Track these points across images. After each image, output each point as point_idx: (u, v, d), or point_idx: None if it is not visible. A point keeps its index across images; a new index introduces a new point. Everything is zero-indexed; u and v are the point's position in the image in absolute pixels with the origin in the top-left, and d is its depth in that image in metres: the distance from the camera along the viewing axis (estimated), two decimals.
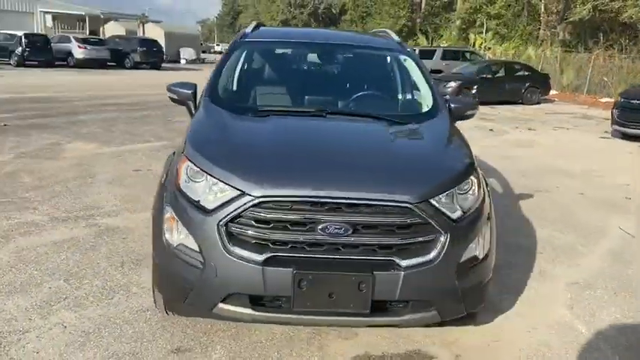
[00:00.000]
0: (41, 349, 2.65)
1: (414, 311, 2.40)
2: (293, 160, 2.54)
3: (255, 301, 2.35)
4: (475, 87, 15.88)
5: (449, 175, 2.55)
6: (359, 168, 2.51)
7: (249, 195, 2.29)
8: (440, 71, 19.74)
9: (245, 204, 2.29)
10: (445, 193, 2.44)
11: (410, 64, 3.78)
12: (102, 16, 41.67)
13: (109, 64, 28.21)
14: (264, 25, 4.35)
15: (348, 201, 2.29)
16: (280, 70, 4.06)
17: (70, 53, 26.70)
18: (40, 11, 39.15)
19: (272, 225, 2.30)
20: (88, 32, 37.87)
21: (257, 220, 2.31)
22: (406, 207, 2.32)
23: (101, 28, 41.37)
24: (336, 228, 2.28)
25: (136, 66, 29.00)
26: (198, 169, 2.46)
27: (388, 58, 3.99)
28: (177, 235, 2.43)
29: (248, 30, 4.02)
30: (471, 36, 31.35)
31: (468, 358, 2.77)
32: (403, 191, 2.34)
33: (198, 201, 2.39)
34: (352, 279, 2.26)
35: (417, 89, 3.60)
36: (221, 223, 2.31)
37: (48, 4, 39.49)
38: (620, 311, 3.36)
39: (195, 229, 2.36)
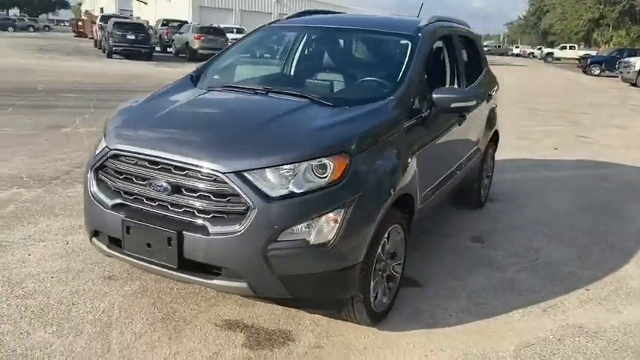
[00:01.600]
0: None
1: (224, 278, 2.52)
2: (154, 124, 2.86)
3: (112, 240, 2.79)
4: None
5: (281, 154, 2.51)
6: (205, 136, 2.68)
7: (107, 148, 2.74)
8: None
9: (104, 155, 2.75)
10: (269, 169, 2.45)
11: (406, 49, 3.55)
12: None
13: None
14: (311, 13, 4.53)
15: (175, 163, 2.53)
16: (275, 52, 4.24)
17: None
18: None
19: (123, 176, 2.70)
20: None
21: (114, 171, 2.74)
22: (217, 175, 2.44)
23: None
24: (163, 186, 2.55)
25: None
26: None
27: (390, 43, 3.80)
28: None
29: (289, 15, 4.32)
30: None
31: (327, 346, 2.78)
32: (219, 161, 2.46)
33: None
34: (163, 234, 2.50)
35: (395, 74, 3.39)
36: (92, 169, 2.82)
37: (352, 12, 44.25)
38: None
39: (86, 175, 2.93)
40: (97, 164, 2.80)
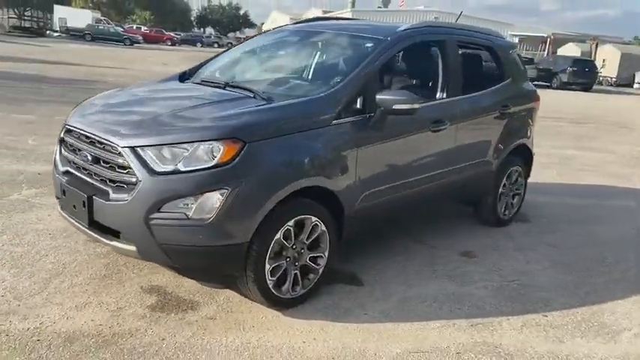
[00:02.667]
0: None
1: (121, 241, 2.89)
2: (102, 108, 3.38)
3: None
4: None
5: (176, 135, 2.81)
6: (127, 118, 3.09)
7: (65, 123, 3.30)
8: None
9: (63, 129, 3.31)
10: (159, 147, 2.78)
11: (366, 52, 3.62)
12: (553, 37, 42.35)
13: (536, 83, 28.55)
14: (323, 19, 4.68)
15: (97, 138, 2.99)
16: (260, 52, 4.46)
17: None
18: (510, 34, 42.36)
19: (71, 148, 3.22)
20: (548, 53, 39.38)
21: (67, 143, 3.28)
22: (117, 149, 2.84)
23: (560, 49, 41.81)
24: (88, 157, 3.03)
25: (563, 86, 28.33)
26: None
27: (358, 46, 3.85)
28: None
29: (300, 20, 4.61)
30: None
31: (219, 319, 2.99)
32: (121, 137, 2.86)
33: None
34: (80, 197, 2.96)
35: (341, 74, 3.50)
36: (58, 141, 3.39)
37: (517, 28, 42.99)
38: None
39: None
40: (60, 136, 3.36)
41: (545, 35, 45.82)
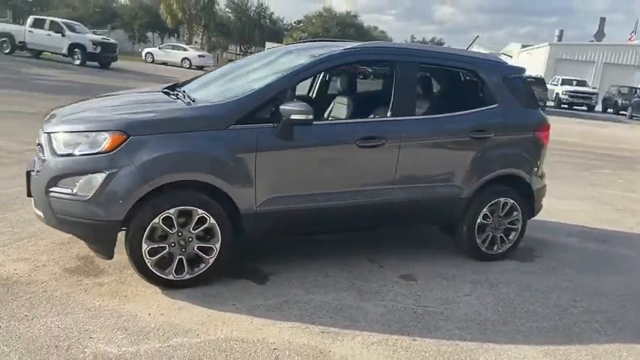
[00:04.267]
0: None
1: (38, 208, 3.63)
2: (73, 109, 4.03)
3: None
4: None
5: (80, 125, 3.53)
6: (74, 115, 3.78)
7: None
8: None
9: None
10: (65, 133, 3.49)
11: (293, 68, 3.92)
12: None
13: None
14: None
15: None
16: (246, 65, 4.94)
17: None
18: None
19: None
20: None
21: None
22: (44, 135, 3.62)
23: None
24: (40, 144, 3.84)
25: None
26: None
27: (295, 63, 4.06)
28: None
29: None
30: None
31: (107, 285, 3.50)
32: (47, 126, 3.62)
33: None
34: (26, 173, 3.79)
35: (257, 87, 3.83)
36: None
37: None
38: None
39: None
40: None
41: None
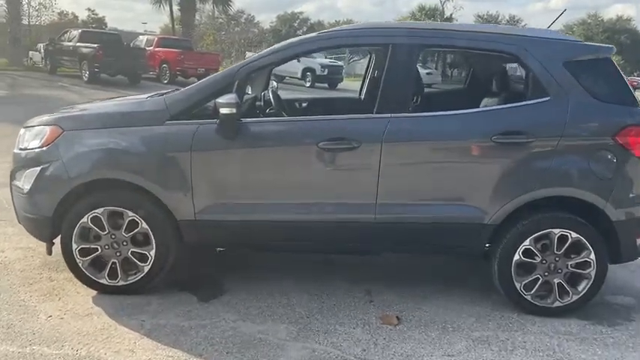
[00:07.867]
0: None
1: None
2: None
3: None
4: None
5: (39, 121, 3.55)
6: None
7: None
8: None
9: None
10: (27, 129, 3.58)
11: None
12: None
13: None
14: None
15: None
16: None
17: None
18: None
19: None
20: None
21: None
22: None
23: None
24: None
25: None
26: None
27: None
28: None
29: None
30: None
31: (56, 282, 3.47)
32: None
33: None
34: None
35: None
36: None
37: None
38: None
39: None
40: None
41: None
